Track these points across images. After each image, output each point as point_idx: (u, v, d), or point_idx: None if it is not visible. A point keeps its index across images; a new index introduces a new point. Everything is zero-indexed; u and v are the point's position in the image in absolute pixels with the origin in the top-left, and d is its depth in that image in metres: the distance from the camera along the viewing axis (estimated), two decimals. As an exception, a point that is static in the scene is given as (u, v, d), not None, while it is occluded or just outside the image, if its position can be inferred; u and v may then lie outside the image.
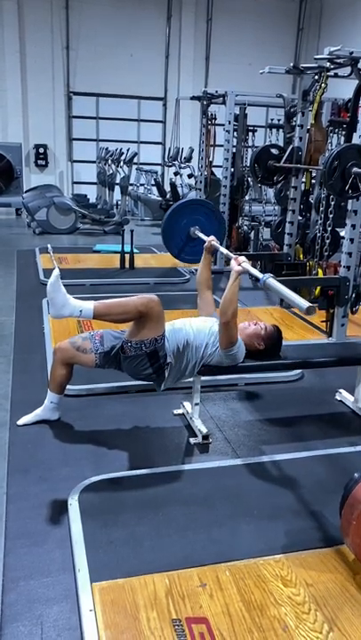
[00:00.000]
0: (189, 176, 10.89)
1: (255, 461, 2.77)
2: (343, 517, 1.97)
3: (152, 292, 5.77)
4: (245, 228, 7.85)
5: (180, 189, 10.87)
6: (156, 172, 12.23)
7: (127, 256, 6.72)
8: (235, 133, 7.11)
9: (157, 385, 2.96)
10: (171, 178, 10.92)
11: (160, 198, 11.19)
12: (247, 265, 2.77)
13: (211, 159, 8.27)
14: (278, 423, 3.25)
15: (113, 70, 13.56)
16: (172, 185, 10.31)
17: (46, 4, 12.95)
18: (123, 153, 10.00)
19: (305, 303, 2.22)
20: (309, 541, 2.18)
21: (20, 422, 3.07)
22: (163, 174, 13.92)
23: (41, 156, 13.73)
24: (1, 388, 3.56)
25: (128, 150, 9.71)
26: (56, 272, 2.64)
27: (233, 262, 2.81)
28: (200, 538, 2.18)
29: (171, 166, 11.56)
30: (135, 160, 13.26)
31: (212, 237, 3.35)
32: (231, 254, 3.02)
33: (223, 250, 3.29)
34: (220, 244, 3.98)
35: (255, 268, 6.68)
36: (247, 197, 8.07)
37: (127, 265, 6.72)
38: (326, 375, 3.90)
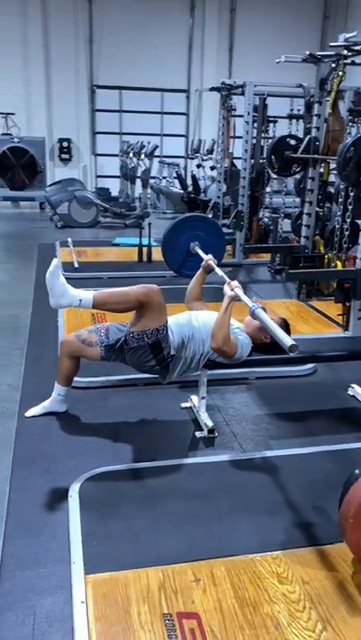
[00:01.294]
0: (212, 168, 10.80)
1: (260, 456, 2.74)
2: (341, 514, 1.93)
3: (168, 286, 5.80)
4: (266, 220, 7.77)
5: (202, 182, 10.81)
6: (178, 165, 12.16)
7: (145, 249, 6.71)
8: (254, 124, 7.02)
9: (162, 377, 2.96)
10: (192, 170, 10.86)
11: (182, 191, 11.14)
12: (240, 291, 2.78)
13: (231, 151, 8.21)
14: (287, 418, 3.21)
15: (136, 63, 13.52)
16: (193, 177, 10.26)
17: (70, -2, 12.98)
18: (144, 146, 9.98)
19: (288, 342, 2.20)
20: (309, 538, 2.15)
21: (27, 414, 3.10)
22: (186, 167, 13.85)
23: (65, 150, 13.80)
24: (13, 380, 3.60)
25: (149, 143, 9.68)
26: (55, 262, 2.64)
27: (226, 287, 2.83)
28: (198, 532, 2.17)
29: (193, 159, 11.51)
30: (158, 153, 13.27)
31: (209, 256, 3.35)
32: (226, 277, 3.03)
33: (219, 271, 3.27)
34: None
35: (274, 260, 6.66)
36: (268, 189, 7.98)
37: (145, 258, 6.71)
38: (340, 370, 3.82)
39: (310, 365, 3.78)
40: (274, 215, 7.46)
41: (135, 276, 6.25)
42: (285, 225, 7.50)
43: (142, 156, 9.75)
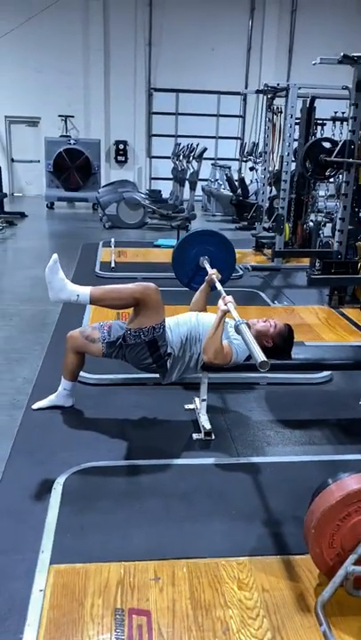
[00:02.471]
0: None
1: (252, 461, 2.72)
2: (305, 525, 1.90)
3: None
4: (311, 224, 7.63)
5: (254, 184, 10.74)
6: (229, 168, 12.14)
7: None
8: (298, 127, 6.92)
9: (161, 377, 2.99)
10: (241, 173, 10.81)
11: (231, 194, 11.12)
12: (231, 306, 2.78)
13: (282, 154, 8.10)
14: (291, 425, 3.16)
15: (194, 66, 13.62)
16: (241, 180, 10.23)
17: (131, 3, 13.23)
18: (194, 148, 10.02)
19: (260, 358, 2.22)
20: (280, 547, 2.12)
21: (34, 406, 3.20)
22: (240, 169, 13.81)
23: (121, 152, 14.09)
24: (28, 373, 3.73)
25: (197, 145, 9.72)
26: (54, 257, 2.73)
27: (220, 302, 2.83)
28: (169, 532, 2.18)
29: (246, 161, 11.46)
30: (212, 155, 13.30)
31: (213, 271, 3.36)
32: (223, 292, 3.05)
33: (218, 286, 3.28)
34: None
35: (314, 265, 6.54)
36: (322, 192, 7.81)
37: (182, 260, 6.74)
38: (358, 379, 3.72)
39: (326, 373, 3.70)
40: (321, 219, 7.33)
41: (167, 277, 6.28)
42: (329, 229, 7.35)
43: (190, 158, 9.80)
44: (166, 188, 13.17)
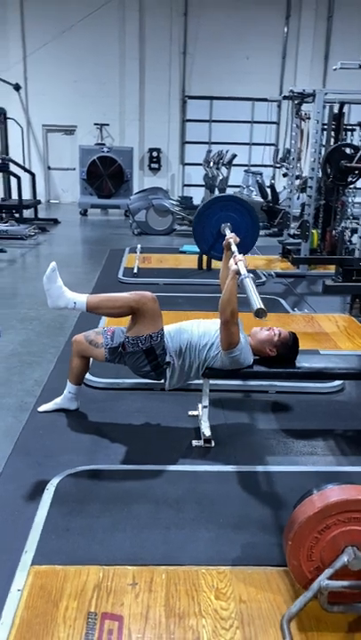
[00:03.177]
0: (297, 177, 10.63)
1: (247, 470, 2.68)
2: (284, 536, 1.85)
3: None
4: (340, 230, 7.50)
5: (286, 191, 10.65)
6: (261, 174, 12.07)
7: (205, 257, 6.75)
8: (325, 133, 6.83)
9: (164, 384, 2.98)
10: (271, 179, 10.74)
11: (262, 200, 11.05)
12: (241, 264, 2.69)
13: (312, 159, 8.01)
14: (295, 435, 3.10)
15: (228, 73, 13.64)
16: (272, 186, 10.13)
17: (166, 12, 13.36)
18: (224, 155, 10.01)
19: (256, 305, 2.13)
20: (264, 558, 2.08)
21: (40, 409, 3.25)
22: (273, 176, 13.71)
23: (154, 160, 14.20)
24: (39, 376, 3.79)
25: (227, 152, 9.72)
26: (52, 265, 2.75)
27: (231, 261, 2.76)
28: (153, 537, 2.17)
29: (280, 167, 11.36)
30: (245, 162, 13.27)
31: (231, 235, 3.27)
32: (237, 252, 2.94)
33: (233, 248, 3.16)
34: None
35: (338, 274, 6.41)
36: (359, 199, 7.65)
37: (205, 266, 6.75)
38: (371, 390, 3.64)
39: (337, 383, 3.62)
40: (354, 225, 7.18)
41: (190, 283, 6.32)
42: None
43: (220, 164, 9.80)
44: (199, 195, 13.21)
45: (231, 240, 3.21)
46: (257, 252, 8.57)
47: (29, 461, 2.74)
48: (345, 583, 1.70)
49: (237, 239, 3.24)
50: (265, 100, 13.62)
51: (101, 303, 2.81)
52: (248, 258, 7.78)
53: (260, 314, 2.09)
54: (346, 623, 1.80)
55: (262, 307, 2.11)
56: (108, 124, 13.90)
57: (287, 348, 2.96)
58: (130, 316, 2.84)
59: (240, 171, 12.63)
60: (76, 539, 2.15)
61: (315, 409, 3.42)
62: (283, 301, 5.62)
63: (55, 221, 10.99)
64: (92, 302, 2.78)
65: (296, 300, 5.81)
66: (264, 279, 6.49)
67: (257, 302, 2.14)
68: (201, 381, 3.10)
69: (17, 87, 13.57)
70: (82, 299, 2.78)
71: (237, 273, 2.65)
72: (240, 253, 2.89)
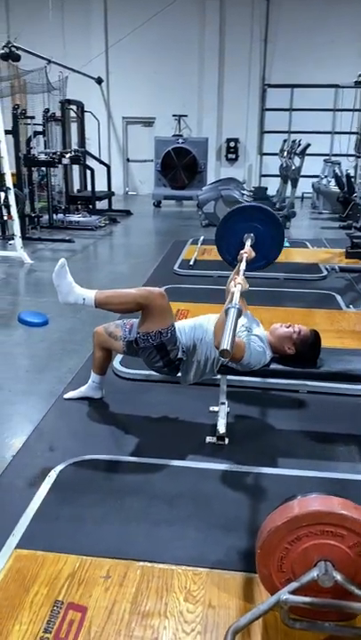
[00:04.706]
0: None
1: (253, 471, 2.58)
2: (256, 544, 1.77)
3: (280, 288, 5.70)
4: None
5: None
6: (339, 164, 11.58)
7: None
8: None
9: (181, 379, 2.96)
10: (347, 170, 10.28)
11: (339, 190, 10.64)
12: (238, 288, 2.57)
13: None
14: (315, 438, 2.96)
15: (311, 60, 13.16)
16: (348, 177, 9.72)
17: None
18: (298, 144, 9.72)
19: (223, 345, 1.97)
20: (246, 563, 2.00)
21: (66, 396, 3.33)
22: (356, 165, 13.11)
23: (231, 150, 14.03)
24: (74, 364, 3.87)
25: (300, 141, 9.41)
26: (62, 261, 2.78)
27: (232, 283, 2.68)
28: (138, 532, 2.15)
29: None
30: (327, 151, 12.80)
31: (246, 249, 3.25)
32: (241, 273, 2.92)
33: (242, 266, 3.11)
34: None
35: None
36: None
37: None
38: None
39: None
40: None
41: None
42: None
43: (293, 154, 9.52)
44: (275, 185, 12.92)
45: (245, 256, 3.14)
46: (325, 244, 8.27)
47: (42, 447, 2.81)
48: (306, 599, 1.59)
49: (253, 254, 3.19)
50: (331, 85, 13.06)
51: (109, 299, 2.81)
52: (314, 251, 7.63)
53: (223, 354, 1.98)
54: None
55: (227, 348, 1.96)
56: (186, 115, 13.89)
57: (307, 346, 2.83)
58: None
59: (319, 160, 12.20)
60: (63, 527, 2.18)
61: (342, 411, 3.24)
62: (338, 297, 5.37)
63: (128, 213, 11.17)
64: (100, 298, 2.79)
65: (354, 297, 5.53)
66: (325, 273, 6.24)
67: (226, 341, 1.98)
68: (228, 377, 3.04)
69: (99, 80, 13.87)
70: (90, 294, 2.79)
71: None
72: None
